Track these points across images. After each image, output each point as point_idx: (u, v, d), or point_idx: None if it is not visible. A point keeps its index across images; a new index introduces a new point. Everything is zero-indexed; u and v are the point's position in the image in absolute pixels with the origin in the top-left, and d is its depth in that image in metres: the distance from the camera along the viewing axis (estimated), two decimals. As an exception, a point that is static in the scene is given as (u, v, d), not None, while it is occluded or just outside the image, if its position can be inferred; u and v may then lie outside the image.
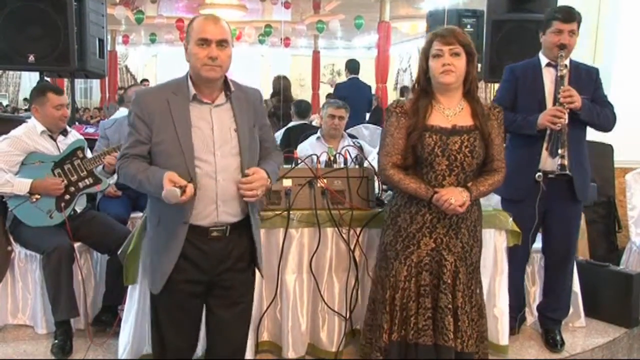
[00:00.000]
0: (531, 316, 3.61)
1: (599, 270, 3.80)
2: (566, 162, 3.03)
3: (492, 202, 3.60)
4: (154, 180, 2.12)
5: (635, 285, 3.65)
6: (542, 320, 3.46)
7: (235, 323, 2.40)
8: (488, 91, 12.11)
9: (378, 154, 2.64)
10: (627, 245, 4.36)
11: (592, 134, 3.36)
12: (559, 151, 3.03)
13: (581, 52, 5.05)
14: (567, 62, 3.13)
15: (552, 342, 3.33)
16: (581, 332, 3.57)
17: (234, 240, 2.30)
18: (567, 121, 3.01)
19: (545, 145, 3.13)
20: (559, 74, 3.08)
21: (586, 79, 3.16)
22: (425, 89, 2.53)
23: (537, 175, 3.16)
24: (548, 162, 3.15)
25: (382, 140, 2.58)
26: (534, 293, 3.61)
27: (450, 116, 2.50)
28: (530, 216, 3.14)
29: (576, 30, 3.11)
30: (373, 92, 10.38)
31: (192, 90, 2.22)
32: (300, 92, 17.57)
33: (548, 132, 3.09)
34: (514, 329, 3.35)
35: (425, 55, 2.50)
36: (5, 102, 15.60)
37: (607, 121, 3.16)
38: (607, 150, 4.76)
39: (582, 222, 4.32)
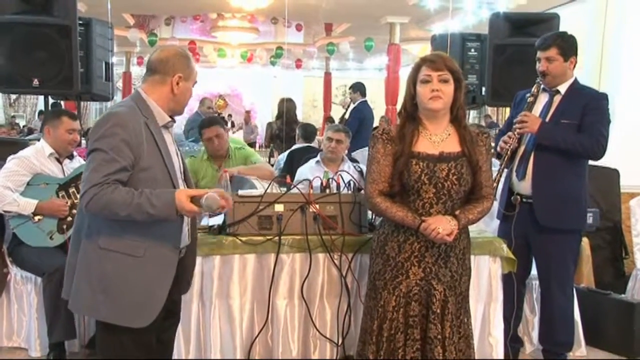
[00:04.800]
0: (530, 344, 3.55)
1: (601, 298, 3.74)
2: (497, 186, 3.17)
3: (490, 228, 3.58)
4: (160, 201, 2.06)
5: (637, 314, 3.59)
6: (543, 352, 3.39)
7: (172, 342, 2.55)
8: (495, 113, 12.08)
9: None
10: (632, 273, 4.28)
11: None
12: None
13: (586, 77, 5.05)
14: (563, 87, 3.20)
15: None
16: (582, 362, 3.51)
17: (184, 261, 2.42)
18: (511, 146, 3.16)
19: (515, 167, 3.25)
20: (528, 100, 3.20)
21: (577, 104, 3.14)
22: (412, 114, 2.51)
23: (512, 197, 3.25)
24: (515, 185, 3.25)
25: (368, 167, 2.55)
26: (533, 321, 3.55)
27: (437, 142, 2.47)
28: (505, 237, 3.15)
29: (555, 55, 3.12)
30: (383, 113, 10.45)
31: (167, 118, 2.30)
32: (313, 113, 17.68)
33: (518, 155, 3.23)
34: (508, 356, 3.26)
35: (413, 80, 2.48)
36: (22, 123, 15.85)
37: (577, 148, 3.07)
38: (613, 175, 4.70)
39: (586, 248, 4.27)
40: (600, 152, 3.10)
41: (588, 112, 3.10)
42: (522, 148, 3.22)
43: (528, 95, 3.22)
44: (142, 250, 2.16)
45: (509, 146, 3.17)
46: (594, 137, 3.06)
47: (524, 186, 3.20)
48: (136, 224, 2.12)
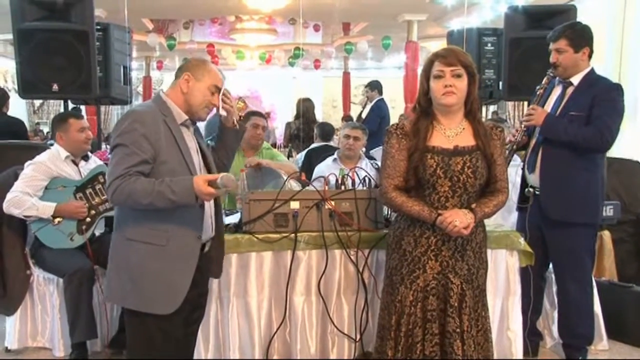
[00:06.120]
0: (550, 338, 3.52)
1: (623, 291, 3.69)
2: None
3: (508, 222, 3.56)
4: (179, 187, 2.15)
5: (660, 306, 3.53)
6: (563, 346, 3.35)
7: (192, 338, 2.61)
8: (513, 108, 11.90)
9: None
10: (657, 265, 4.22)
11: (620, 152, 3.32)
12: None
13: (606, 70, 4.98)
14: (576, 78, 3.17)
15: None
16: (604, 356, 3.47)
17: (209, 255, 2.50)
18: (518, 138, 3.18)
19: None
20: (537, 92, 3.21)
21: (587, 95, 3.10)
22: (425, 109, 2.50)
23: (526, 190, 3.25)
24: (528, 177, 3.26)
25: (383, 162, 2.55)
26: (553, 315, 3.51)
27: (451, 137, 2.46)
28: (522, 230, 3.15)
29: (564, 46, 3.11)
30: (402, 111, 10.42)
31: (184, 116, 2.38)
32: (333, 113, 17.64)
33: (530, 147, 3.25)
34: (527, 350, 3.21)
35: (426, 75, 2.47)
36: (46, 130, 16.12)
37: (578, 140, 3.03)
38: (635, 167, 4.63)
39: (608, 242, 4.21)
40: (603, 145, 3.06)
41: (596, 104, 3.05)
42: (534, 141, 3.21)
43: (538, 87, 3.21)
44: (165, 239, 2.26)
45: (516, 139, 3.18)
46: (597, 130, 3.00)
47: (534, 179, 3.20)
48: (159, 214, 2.23)
